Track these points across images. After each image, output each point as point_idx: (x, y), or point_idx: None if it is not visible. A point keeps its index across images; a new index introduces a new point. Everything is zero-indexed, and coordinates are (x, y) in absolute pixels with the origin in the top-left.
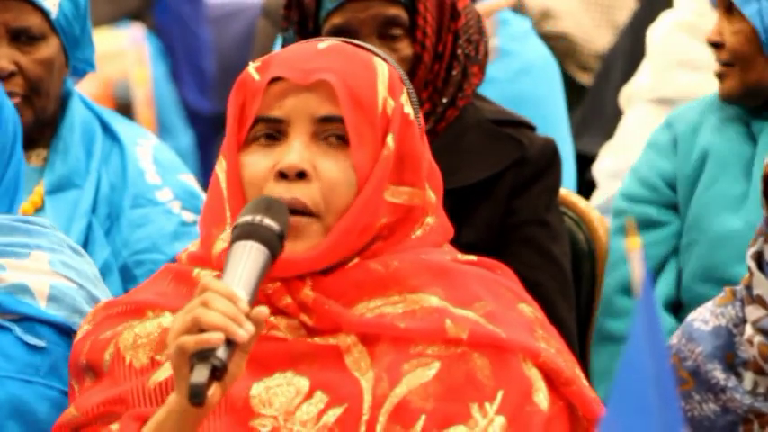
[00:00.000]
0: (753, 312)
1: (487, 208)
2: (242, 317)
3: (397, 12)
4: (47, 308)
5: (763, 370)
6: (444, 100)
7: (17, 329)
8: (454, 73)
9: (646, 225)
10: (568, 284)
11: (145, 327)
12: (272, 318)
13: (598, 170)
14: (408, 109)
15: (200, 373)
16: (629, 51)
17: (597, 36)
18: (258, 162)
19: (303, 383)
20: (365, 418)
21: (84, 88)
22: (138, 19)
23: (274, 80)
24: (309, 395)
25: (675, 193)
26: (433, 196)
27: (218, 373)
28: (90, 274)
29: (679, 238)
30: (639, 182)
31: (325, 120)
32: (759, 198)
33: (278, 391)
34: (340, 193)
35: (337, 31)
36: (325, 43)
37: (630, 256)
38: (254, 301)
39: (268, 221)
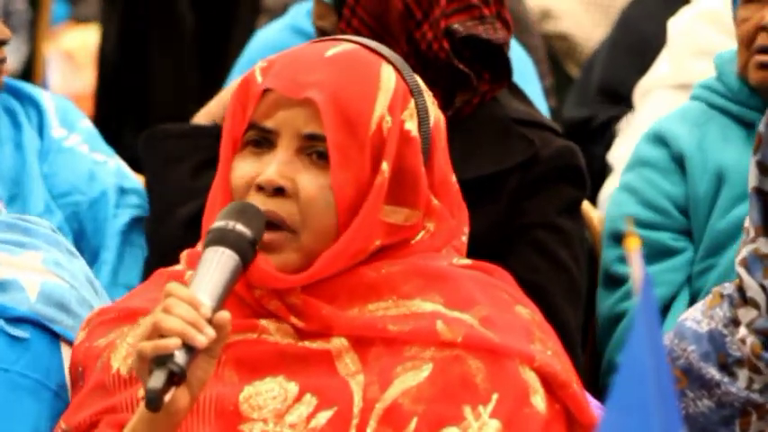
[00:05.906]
0: (746, 314)
1: (489, 206)
2: (202, 322)
3: None
4: (36, 302)
5: (757, 368)
6: None
7: (1, 321)
8: None
9: (660, 253)
10: (575, 290)
11: (137, 336)
12: (262, 321)
13: (614, 157)
14: (410, 125)
15: (157, 379)
16: (614, 41)
17: (597, 36)
18: (244, 168)
19: (293, 387)
20: (355, 421)
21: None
22: None
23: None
24: (299, 399)
25: (687, 219)
26: (437, 203)
27: (176, 379)
28: (82, 277)
29: (692, 264)
30: (645, 205)
31: (311, 137)
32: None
33: (268, 396)
34: (317, 211)
35: None
36: (334, 49)
37: (630, 257)
38: (221, 307)
39: (240, 227)
